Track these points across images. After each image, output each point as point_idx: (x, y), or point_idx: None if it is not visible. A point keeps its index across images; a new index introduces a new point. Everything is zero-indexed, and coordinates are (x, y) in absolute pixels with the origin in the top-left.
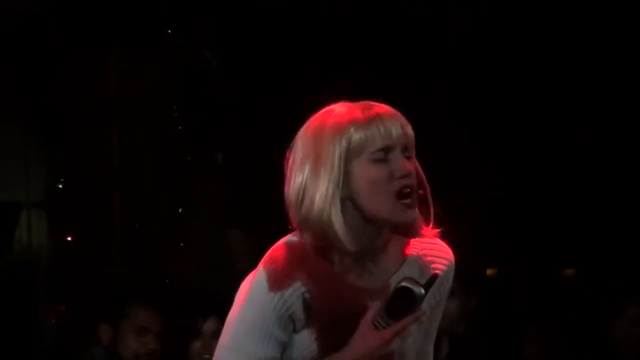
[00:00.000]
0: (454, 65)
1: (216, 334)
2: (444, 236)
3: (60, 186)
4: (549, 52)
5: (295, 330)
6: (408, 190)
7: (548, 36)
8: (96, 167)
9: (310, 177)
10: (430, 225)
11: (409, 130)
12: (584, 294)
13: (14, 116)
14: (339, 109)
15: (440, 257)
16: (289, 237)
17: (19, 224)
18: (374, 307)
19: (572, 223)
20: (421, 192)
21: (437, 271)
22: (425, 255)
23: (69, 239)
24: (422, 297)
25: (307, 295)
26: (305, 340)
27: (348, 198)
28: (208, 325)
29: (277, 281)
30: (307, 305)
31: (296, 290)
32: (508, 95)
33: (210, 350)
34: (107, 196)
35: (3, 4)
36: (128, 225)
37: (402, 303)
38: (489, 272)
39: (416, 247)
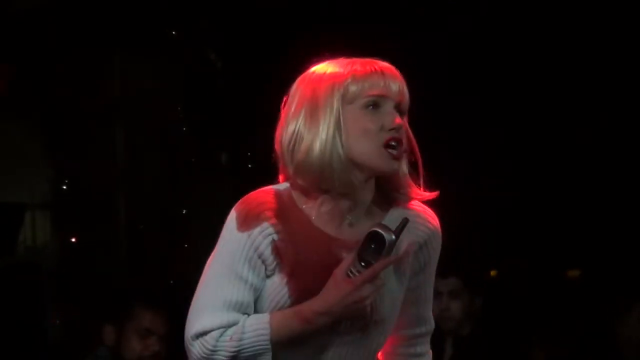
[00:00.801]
0: (456, 66)
1: None
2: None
3: (65, 187)
4: (549, 51)
5: (267, 276)
6: (395, 142)
7: (550, 33)
8: (100, 168)
9: (307, 122)
10: (421, 189)
11: (406, 92)
12: (588, 295)
13: (17, 117)
14: (339, 60)
15: (423, 220)
16: (271, 186)
17: (23, 225)
18: (349, 257)
19: (576, 224)
20: (406, 148)
21: (407, 218)
22: (408, 216)
23: (73, 239)
24: (392, 242)
25: (275, 237)
26: (276, 286)
27: (343, 143)
28: None
29: (245, 221)
30: (276, 248)
31: (264, 231)
32: (510, 96)
33: None
34: (111, 197)
35: (6, 4)
36: (132, 226)
37: (373, 249)
38: (492, 273)
39: (401, 210)
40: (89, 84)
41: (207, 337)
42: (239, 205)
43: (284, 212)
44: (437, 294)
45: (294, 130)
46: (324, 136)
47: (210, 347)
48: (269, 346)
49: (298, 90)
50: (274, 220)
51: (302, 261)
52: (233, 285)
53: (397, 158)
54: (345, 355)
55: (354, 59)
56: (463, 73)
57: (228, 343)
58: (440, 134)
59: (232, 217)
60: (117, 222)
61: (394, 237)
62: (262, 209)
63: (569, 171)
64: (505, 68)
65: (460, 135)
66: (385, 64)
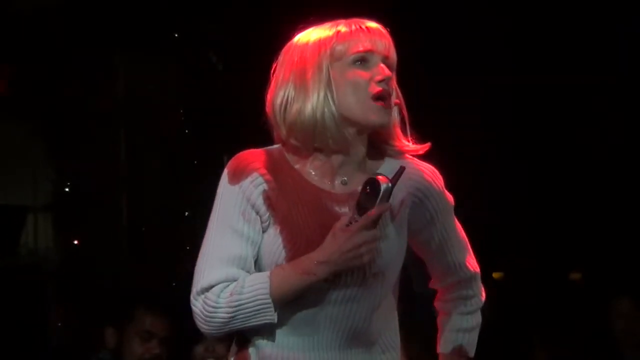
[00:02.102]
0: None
1: (218, 336)
2: None
3: (67, 189)
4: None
5: (263, 230)
6: (384, 94)
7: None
8: (102, 170)
9: (297, 85)
10: (411, 142)
11: (393, 49)
12: (591, 297)
13: (19, 118)
14: (325, 24)
15: (418, 173)
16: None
17: (25, 227)
18: (349, 212)
19: (579, 226)
20: (396, 100)
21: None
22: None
23: (76, 242)
24: (388, 189)
25: (265, 187)
26: (271, 239)
27: (334, 101)
28: None
29: (235, 174)
30: (267, 198)
31: (254, 180)
32: (515, 97)
33: (214, 353)
34: (113, 199)
35: (8, 4)
36: (134, 228)
37: (369, 196)
38: (495, 275)
39: (394, 162)
40: (91, 85)
41: (208, 294)
42: (230, 162)
43: (275, 167)
44: None
45: (284, 95)
46: (314, 97)
47: (212, 304)
48: (270, 301)
49: (285, 56)
50: (263, 171)
51: (294, 213)
52: (230, 240)
53: (386, 109)
54: (346, 312)
55: (339, 20)
56: (463, 72)
57: (228, 299)
58: (445, 134)
59: (224, 174)
60: (119, 224)
61: (390, 184)
62: (252, 161)
63: (574, 174)
64: (506, 68)
65: (465, 136)
66: (371, 23)
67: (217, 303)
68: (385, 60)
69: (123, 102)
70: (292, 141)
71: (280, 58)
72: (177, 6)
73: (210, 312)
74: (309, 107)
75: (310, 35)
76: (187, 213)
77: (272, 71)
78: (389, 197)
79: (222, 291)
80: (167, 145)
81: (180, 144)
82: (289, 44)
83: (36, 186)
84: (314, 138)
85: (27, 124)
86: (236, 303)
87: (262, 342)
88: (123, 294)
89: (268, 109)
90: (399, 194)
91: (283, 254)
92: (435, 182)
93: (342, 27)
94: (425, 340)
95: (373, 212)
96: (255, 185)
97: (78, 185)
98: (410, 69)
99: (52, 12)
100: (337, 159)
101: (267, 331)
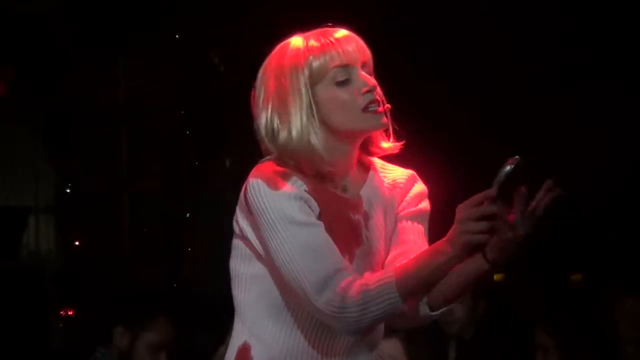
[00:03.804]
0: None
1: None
2: None
3: (69, 191)
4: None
5: None
6: (372, 103)
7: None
8: (104, 171)
9: (279, 111)
10: (391, 140)
11: (366, 48)
12: (592, 298)
13: (22, 120)
14: (294, 42)
15: (397, 172)
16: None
17: (27, 229)
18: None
19: (580, 227)
20: (387, 105)
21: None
22: (383, 171)
23: (77, 243)
24: (508, 172)
25: (306, 187)
26: None
27: (321, 122)
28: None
29: (274, 181)
30: (312, 196)
31: (295, 183)
32: (520, 97)
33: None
34: (115, 201)
35: (11, 7)
36: (136, 230)
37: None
38: (496, 277)
39: (375, 167)
40: (93, 87)
41: (330, 294)
42: (256, 175)
43: (296, 174)
44: None
45: (268, 119)
46: (298, 123)
47: (338, 304)
48: (395, 288)
49: (262, 82)
50: (297, 174)
51: (323, 216)
52: (306, 233)
53: (379, 112)
54: None
55: (307, 34)
56: (463, 70)
57: (354, 297)
58: (445, 135)
59: (258, 186)
60: (121, 225)
61: (510, 166)
62: (278, 169)
63: (576, 174)
64: (505, 68)
65: (465, 137)
66: (338, 31)
67: (343, 302)
68: (363, 65)
69: (124, 104)
70: (288, 161)
71: (258, 83)
72: (178, 7)
73: (338, 312)
74: (294, 133)
75: (282, 56)
76: (188, 215)
77: (252, 90)
78: (513, 179)
79: (345, 289)
80: (168, 146)
81: (182, 146)
82: (263, 67)
83: (38, 187)
84: (308, 162)
85: (29, 125)
86: (362, 298)
87: (268, 346)
88: (129, 297)
89: (256, 128)
90: (386, 194)
91: None
92: (418, 183)
93: (312, 42)
94: (425, 342)
95: (493, 190)
96: (297, 185)
97: (79, 187)
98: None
99: (54, 14)
100: (332, 171)
101: (273, 334)
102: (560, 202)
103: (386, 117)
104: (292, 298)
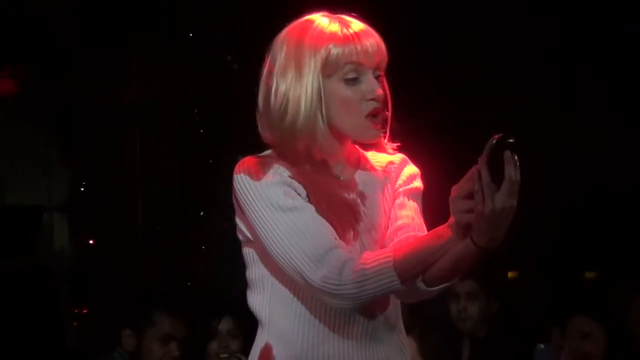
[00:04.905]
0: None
1: (231, 333)
2: None
3: (82, 189)
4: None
5: None
6: (377, 113)
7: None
8: (118, 170)
9: (294, 84)
10: (387, 140)
11: (383, 48)
12: (605, 296)
13: (35, 119)
14: (318, 22)
15: (389, 157)
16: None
17: (41, 228)
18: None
19: (593, 225)
20: (386, 113)
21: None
22: (375, 157)
23: (91, 242)
24: (492, 145)
25: (289, 173)
26: None
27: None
28: (223, 325)
29: (257, 171)
30: (296, 181)
31: (277, 169)
32: (520, 94)
33: (227, 349)
34: (128, 199)
35: (23, 6)
36: (149, 229)
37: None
38: (510, 274)
39: (367, 156)
40: (106, 86)
41: (326, 273)
42: (239, 169)
43: (281, 162)
44: (455, 295)
45: (276, 98)
46: (308, 107)
47: (334, 282)
48: (393, 269)
49: (279, 53)
50: (280, 162)
51: (317, 197)
52: (293, 217)
53: (377, 126)
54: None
55: (333, 17)
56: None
57: (352, 275)
58: (452, 133)
59: (242, 179)
60: (134, 224)
61: (495, 140)
62: (263, 159)
63: (587, 173)
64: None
65: (475, 135)
66: (359, 25)
67: (339, 280)
68: (377, 69)
69: (138, 102)
70: (285, 147)
71: (275, 49)
72: (191, 6)
73: (334, 289)
74: (302, 117)
75: (304, 33)
76: (202, 213)
77: (264, 63)
78: (495, 151)
79: (341, 268)
80: (181, 145)
81: (195, 144)
82: (280, 39)
83: (51, 186)
84: (307, 145)
85: (42, 124)
86: (360, 277)
87: (288, 343)
88: (141, 296)
89: (262, 106)
90: (382, 176)
91: None
92: (410, 164)
93: (336, 28)
94: (439, 341)
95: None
96: (280, 172)
97: (93, 186)
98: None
99: (66, 13)
100: (326, 158)
101: (291, 329)
102: (512, 149)
103: (384, 126)
104: (301, 290)
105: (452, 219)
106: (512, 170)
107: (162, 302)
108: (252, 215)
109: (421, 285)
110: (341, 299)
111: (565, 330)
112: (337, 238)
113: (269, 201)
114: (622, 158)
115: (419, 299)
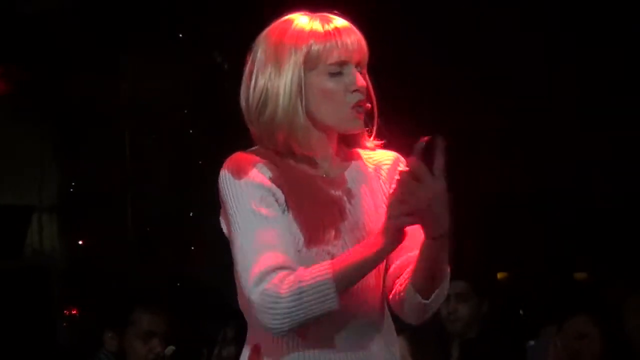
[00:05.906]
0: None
1: (234, 340)
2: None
3: (72, 190)
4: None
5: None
6: (360, 104)
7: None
8: (108, 170)
9: (273, 79)
10: (373, 138)
11: (364, 45)
12: (596, 297)
13: (26, 120)
14: (298, 21)
15: (381, 154)
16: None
17: (30, 228)
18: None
19: (583, 225)
20: (368, 105)
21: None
22: (367, 154)
23: (81, 242)
24: (421, 145)
25: (271, 174)
26: (290, 223)
27: (305, 107)
28: (230, 331)
29: (239, 169)
30: (278, 184)
31: (260, 169)
32: (520, 93)
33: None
34: (119, 200)
35: (16, 6)
36: (140, 229)
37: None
38: (500, 275)
39: (359, 153)
40: (97, 86)
41: (266, 285)
42: (225, 165)
43: (267, 159)
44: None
45: (254, 93)
46: (286, 101)
47: (272, 294)
48: (333, 284)
49: (259, 52)
50: (264, 161)
51: (302, 198)
52: (263, 228)
53: (360, 118)
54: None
55: (313, 16)
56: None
57: (289, 286)
58: (447, 132)
59: (225, 176)
60: (124, 224)
61: (423, 143)
62: (248, 156)
63: (578, 173)
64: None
65: (466, 135)
66: (341, 21)
67: (278, 292)
68: (358, 65)
69: (128, 103)
70: (265, 140)
71: (256, 48)
72: (181, 7)
73: (272, 303)
74: (280, 111)
75: (284, 32)
76: (191, 213)
77: (245, 64)
78: (425, 154)
79: (281, 281)
80: (172, 146)
81: (186, 145)
82: (261, 37)
83: (41, 186)
84: (286, 139)
85: (33, 124)
86: (297, 290)
87: (274, 339)
88: (121, 297)
89: (243, 104)
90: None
91: (302, 239)
92: (403, 163)
93: (317, 25)
94: (430, 341)
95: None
96: (262, 172)
97: (83, 186)
98: None
99: (58, 14)
100: (310, 154)
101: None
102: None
103: (369, 117)
104: None
105: (383, 225)
106: (441, 159)
107: (139, 299)
108: (228, 211)
109: (417, 297)
110: (276, 315)
111: (561, 330)
112: (293, 260)
113: (244, 202)
114: (623, 158)
115: (424, 316)
